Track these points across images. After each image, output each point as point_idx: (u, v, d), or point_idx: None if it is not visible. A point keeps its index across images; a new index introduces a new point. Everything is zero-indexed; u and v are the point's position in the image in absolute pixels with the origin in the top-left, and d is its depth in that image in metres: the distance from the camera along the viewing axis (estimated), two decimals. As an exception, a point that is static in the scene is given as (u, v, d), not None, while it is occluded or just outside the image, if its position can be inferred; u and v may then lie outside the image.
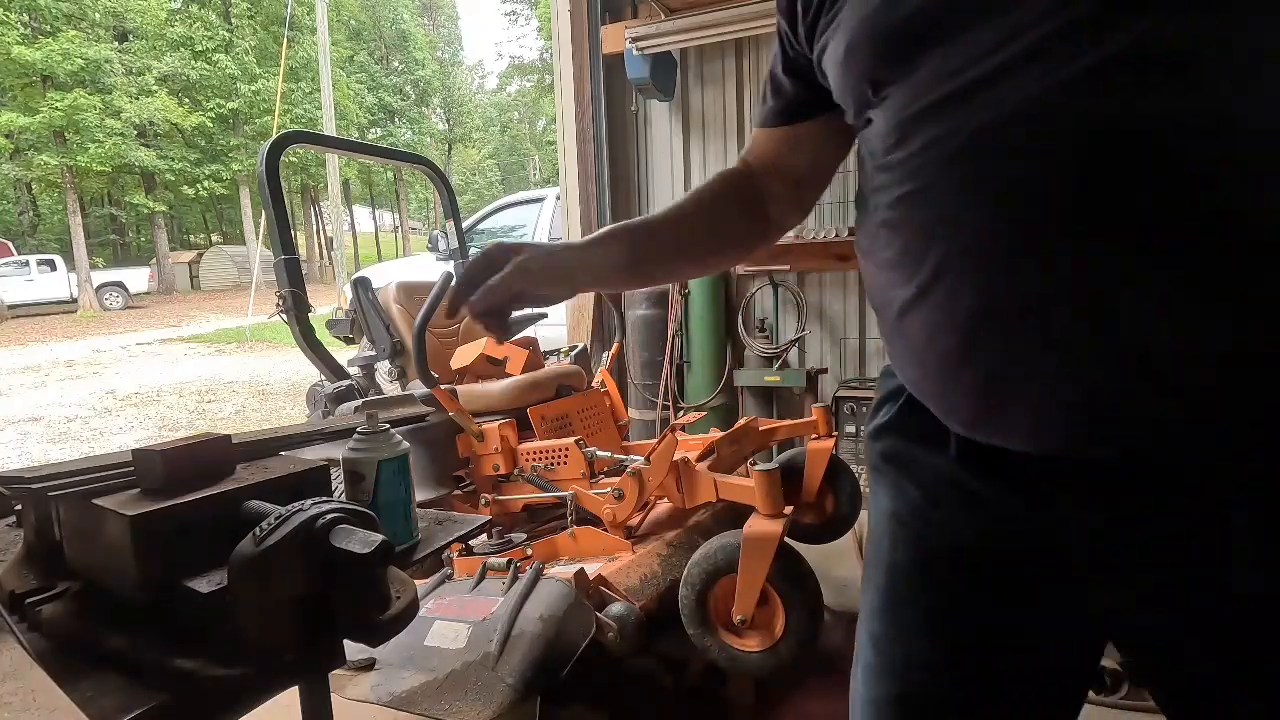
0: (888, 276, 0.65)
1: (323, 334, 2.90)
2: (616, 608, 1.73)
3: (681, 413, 3.79)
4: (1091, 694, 1.79)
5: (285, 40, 14.67)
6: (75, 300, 18.68)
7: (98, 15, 21.09)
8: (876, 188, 0.65)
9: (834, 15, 0.68)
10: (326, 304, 11.78)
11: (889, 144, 0.62)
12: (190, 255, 25.87)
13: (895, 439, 0.73)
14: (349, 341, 3.12)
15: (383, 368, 2.92)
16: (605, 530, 2.18)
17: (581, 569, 1.81)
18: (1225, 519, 0.54)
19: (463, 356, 2.77)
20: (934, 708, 0.70)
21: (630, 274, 0.84)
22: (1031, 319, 0.53)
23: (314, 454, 0.93)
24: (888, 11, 0.60)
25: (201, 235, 32.99)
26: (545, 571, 1.84)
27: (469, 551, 2.16)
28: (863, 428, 3.47)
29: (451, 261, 3.60)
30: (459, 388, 2.58)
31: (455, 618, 1.72)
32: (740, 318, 4.01)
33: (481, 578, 1.88)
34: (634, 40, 3.70)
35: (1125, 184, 0.48)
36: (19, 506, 0.86)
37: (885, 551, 0.75)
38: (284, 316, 2.71)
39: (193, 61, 22.47)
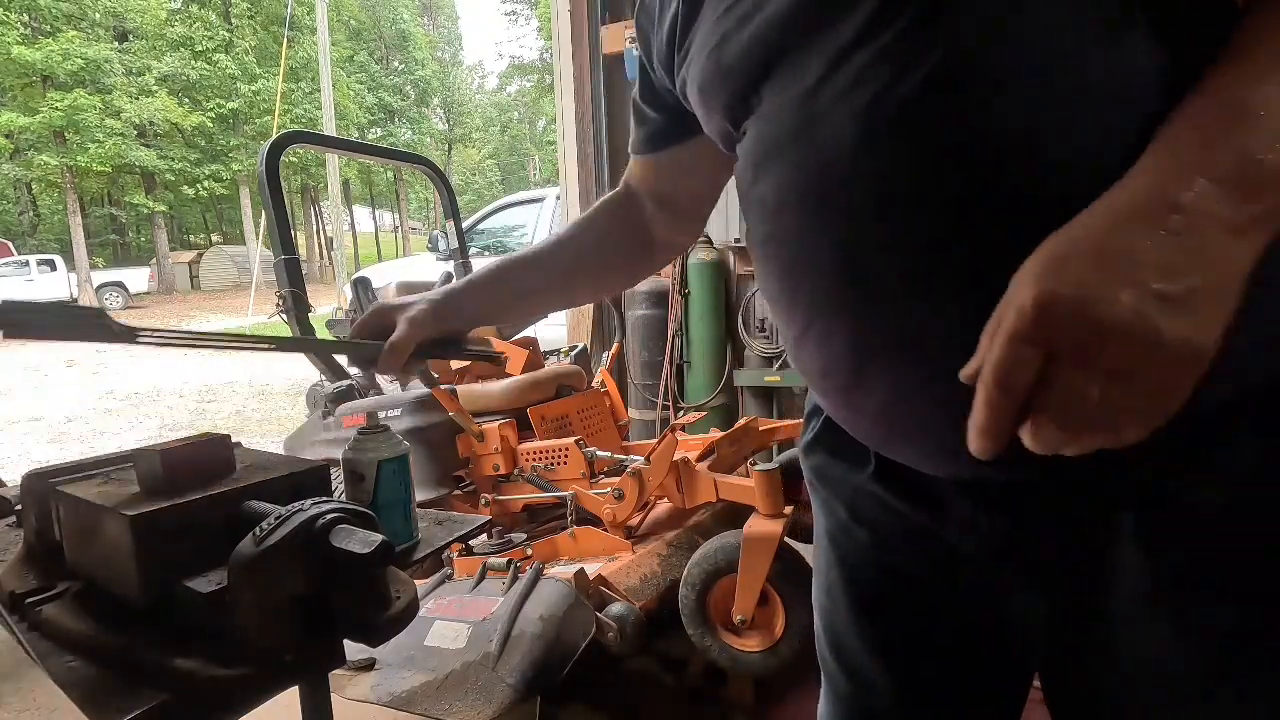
0: (773, 309, 0.65)
1: (323, 334, 2.90)
2: (616, 608, 1.73)
3: (681, 413, 3.79)
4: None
5: (285, 40, 14.69)
6: (75, 300, 18.69)
7: (98, 15, 21.12)
8: (749, 224, 0.65)
9: (685, 52, 0.67)
10: (326, 304, 11.80)
11: (747, 181, 0.62)
12: (190, 255, 25.88)
13: (822, 455, 0.75)
14: (349, 341, 3.12)
15: (383, 368, 2.92)
16: (605, 530, 2.18)
17: (581, 569, 1.81)
18: (1113, 526, 0.55)
19: (463, 356, 2.77)
20: None
21: (519, 306, 0.89)
22: (908, 356, 0.52)
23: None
24: (726, 46, 0.59)
25: (201, 235, 33.00)
26: (545, 571, 1.84)
27: (469, 551, 2.16)
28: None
29: (451, 261, 3.60)
30: (459, 388, 2.58)
31: (455, 618, 1.72)
32: (740, 318, 4.01)
33: (481, 578, 1.88)
34: (634, 40, 3.69)
35: (963, 214, 0.47)
36: (19, 506, 0.86)
37: (823, 573, 0.76)
38: (284, 316, 2.72)
39: (193, 61, 22.49)
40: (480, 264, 4.97)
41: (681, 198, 0.88)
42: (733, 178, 0.71)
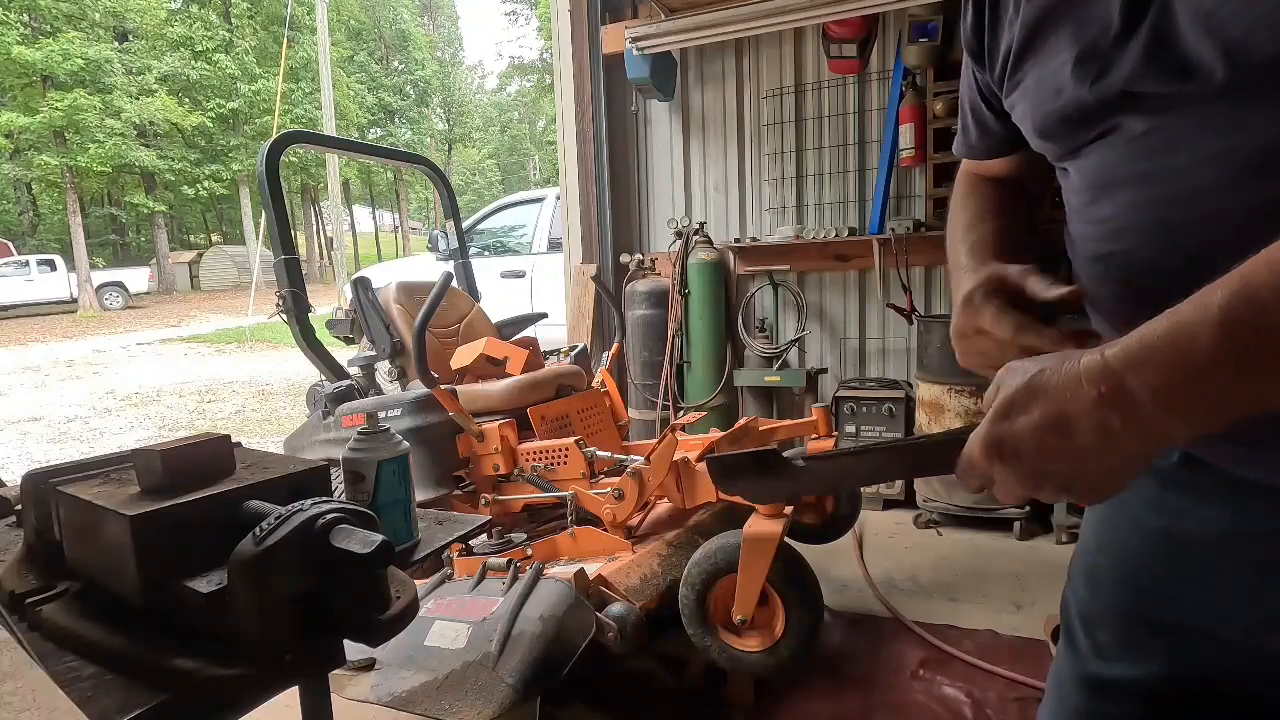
0: (1098, 320, 0.66)
1: (323, 334, 2.90)
2: (616, 608, 1.73)
3: (681, 413, 3.79)
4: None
5: (285, 40, 14.68)
6: (75, 300, 18.69)
7: (98, 15, 21.10)
8: (1079, 235, 0.66)
9: (1018, 82, 0.68)
10: (326, 304, 11.79)
11: (1084, 200, 0.64)
12: (190, 255, 25.89)
13: None
14: (349, 341, 3.13)
15: (383, 368, 2.92)
16: (605, 530, 2.18)
17: (581, 569, 1.81)
18: None
19: (463, 356, 2.77)
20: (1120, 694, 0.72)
21: None
22: None
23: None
24: (1062, 100, 0.62)
25: (201, 235, 32.99)
26: (545, 571, 1.84)
27: (469, 551, 2.16)
28: (863, 427, 3.47)
29: (451, 261, 3.60)
30: (459, 388, 2.58)
31: (455, 618, 1.72)
32: (740, 318, 4.01)
33: (481, 578, 1.88)
34: (634, 40, 3.70)
35: None
36: (19, 506, 0.86)
37: (1090, 553, 0.77)
38: (284, 316, 2.72)
39: (193, 61, 22.49)
40: (480, 264, 4.88)
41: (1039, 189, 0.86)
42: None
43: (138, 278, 20.74)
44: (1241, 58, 0.50)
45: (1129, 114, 0.58)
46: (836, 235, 3.65)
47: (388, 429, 0.96)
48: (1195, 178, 0.54)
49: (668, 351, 3.89)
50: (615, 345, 3.28)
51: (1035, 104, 0.66)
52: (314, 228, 29.15)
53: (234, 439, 0.83)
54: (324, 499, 0.70)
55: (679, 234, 3.89)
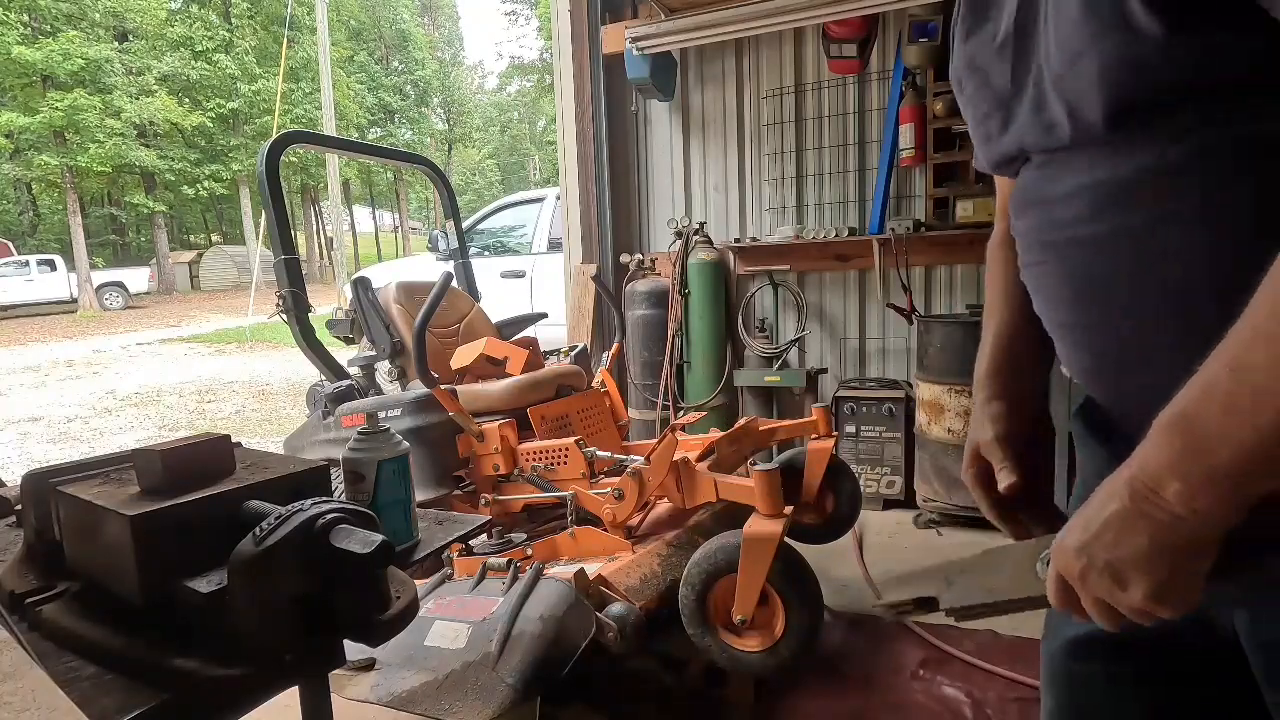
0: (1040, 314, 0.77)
1: (323, 334, 2.90)
2: (616, 608, 1.73)
3: (681, 413, 3.79)
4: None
5: (285, 40, 14.68)
6: (75, 300, 18.68)
7: (98, 15, 21.09)
8: (1017, 240, 0.77)
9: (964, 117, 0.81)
10: (326, 304, 11.80)
11: (1013, 215, 0.76)
12: (190, 255, 25.88)
13: (1080, 426, 0.82)
14: (349, 341, 3.13)
15: (383, 368, 2.92)
16: (605, 530, 2.18)
17: (581, 569, 1.81)
18: None
19: (463, 356, 2.77)
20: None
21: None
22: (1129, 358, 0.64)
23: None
24: (990, 147, 0.75)
25: (201, 235, 32.98)
26: (545, 571, 1.84)
27: (469, 551, 2.16)
28: (863, 427, 3.48)
29: (451, 261, 3.60)
30: (459, 388, 2.58)
31: (455, 618, 1.72)
32: (740, 318, 4.01)
33: (481, 578, 1.88)
34: (634, 40, 3.70)
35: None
36: (19, 506, 0.86)
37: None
38: (284, 316, 2.72)
39: (193, 61, 22.49)
40: (480, 264, 4.87)
41: None
42: None
43: (138, 278, 20.72)
44: (1079, 117, 0.61)
45: (1032, 150, 0.70)
46: (836, 235, 3.65)
47: (388, 429, 0.97)
48: (1066, 207, 0.65)
49: (668, 351, 3.89)
50: (615, 345, 3.28)
51: (977, 143, 0.78)
52: (314, 228, 29.15)
53: (234, 439, 0.83)
54: (324, 499, 0.70)
55: (679, 234, 3.89)
